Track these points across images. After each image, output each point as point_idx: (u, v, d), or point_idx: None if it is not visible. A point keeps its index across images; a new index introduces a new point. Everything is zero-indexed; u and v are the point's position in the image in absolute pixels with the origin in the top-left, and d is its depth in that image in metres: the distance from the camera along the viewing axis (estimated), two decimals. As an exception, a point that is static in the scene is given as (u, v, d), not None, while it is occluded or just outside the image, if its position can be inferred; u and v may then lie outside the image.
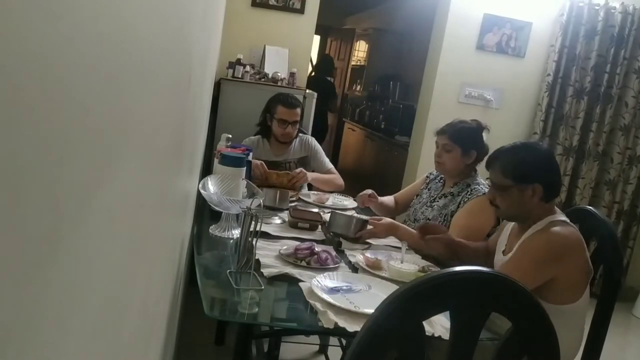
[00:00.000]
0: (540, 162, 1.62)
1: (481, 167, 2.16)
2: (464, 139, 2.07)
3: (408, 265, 1.65)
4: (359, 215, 2.07)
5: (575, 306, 1.56)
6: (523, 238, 1.61)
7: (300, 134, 2.81)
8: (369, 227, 1.96)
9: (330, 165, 2.80)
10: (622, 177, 3.78)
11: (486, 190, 1.99)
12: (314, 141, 2.83)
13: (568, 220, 1.61)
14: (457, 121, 2.16)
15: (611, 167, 3.77)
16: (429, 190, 2.28)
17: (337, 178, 2.75)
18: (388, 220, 2.02)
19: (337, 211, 2.07)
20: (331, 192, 2.66)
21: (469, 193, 2.06)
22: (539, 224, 1.59)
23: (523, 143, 1.72)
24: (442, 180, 2.24)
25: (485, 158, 2.05)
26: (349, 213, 2.14)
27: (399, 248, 1.93)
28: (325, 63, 6.76)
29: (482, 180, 2.12)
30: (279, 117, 2.62)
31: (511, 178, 1.60)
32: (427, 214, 2.17)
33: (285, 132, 2.64)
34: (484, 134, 2.14)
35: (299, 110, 2.67)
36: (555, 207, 1.65)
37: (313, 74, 6.60)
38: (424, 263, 1.73)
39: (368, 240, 1.97)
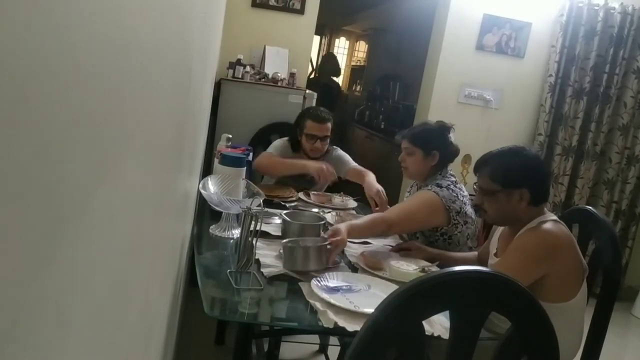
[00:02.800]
0: (528, 168, 1.62)
1: (454, 165, 2.16)
2: (424, 140, 2.05)
3: (408, 265, 1.65)
4: (312, 240, 1.64)
5: (570, 304, 1.56)
6: (514, 238, 1.61)
7: (330, 147, 2.68)
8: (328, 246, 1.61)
9: (355, 164, 2.67)
10: (621, 177, 3.78)
11: (438, 191, 1.93)
12: (337, 152, 2.71)
13: (558, 220, 1.62)
14: (419, 124, 2.18)
15: (609, 166, 3.78)
16: (409, 194, 2.25)
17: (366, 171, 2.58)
18: (338, 227, 1.71)
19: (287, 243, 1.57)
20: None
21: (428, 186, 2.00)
22: (530, 224, 1.60)
23: (510, 148, 1.70)
24: (418, 185, 2.19)
25: (455, 157, 2.10)
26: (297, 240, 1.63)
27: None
28: (329, 63, 6.66)
29: (453, 177, 2.05)
30: (308, 131, 2.53)
31: (499, 183, 1.61)
32: None
33: (314, 147, 2.55)
34: (451, 134, 2.10)
35: (329, 124, 2.56)
36: (545, 208, 1.65)
37: (314, 75, 6.52)
38: (424, 263, 1.73)
39: (367, 240, 1.96)
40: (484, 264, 1.85)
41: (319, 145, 2.55)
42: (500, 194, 1.62)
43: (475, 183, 1.73)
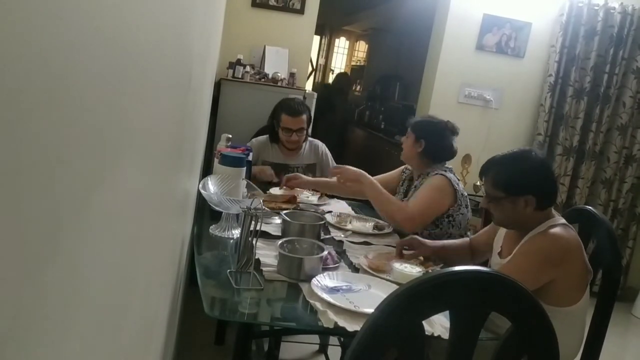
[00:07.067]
0: (532, 174, 1.59)
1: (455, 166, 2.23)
2: (417, 128, 2.21)
3: (412, 267, 1.64)
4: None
5: (574, 308, 1.56)
6: (523, 241, 1.60)
7: (311, 139, 2.80)
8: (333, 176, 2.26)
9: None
10: (618, 176, 3.79)
11: (444, 173, 2.10)
12: (323, 147, 2.82)
13: (567, 224, 1.60)
14: (427, 115, 2.35)
15: (608, 166, 3.78)
16: (402, 186, 2.36)
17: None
18: (354, 170, 2.19)
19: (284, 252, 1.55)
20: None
21: (425, 176, 2.16)
22: (539, 227, 1.58)
23: (515, 153, 1.65)
24: (411, 178, 2.32)
25: (448, 158, 2.20)
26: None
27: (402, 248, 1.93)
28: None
29: (446, 168, 2.17)
30: (284, 125, 2.63)
31: (502, 190, 1.58)
32: None
33: (290, 139, 2.65)
34: (451, 136, 2.19)
35: (304, 117, 2.66)
36: (554, 211, 1.64)
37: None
38: (428, 265, 1.72)
39: (368, 241, 1.96)
40: (477, 251, 1.89)
41: (295, 137, 2.67)
42: (504, 200, 1.58)
43: (476, 183, 1.72)
